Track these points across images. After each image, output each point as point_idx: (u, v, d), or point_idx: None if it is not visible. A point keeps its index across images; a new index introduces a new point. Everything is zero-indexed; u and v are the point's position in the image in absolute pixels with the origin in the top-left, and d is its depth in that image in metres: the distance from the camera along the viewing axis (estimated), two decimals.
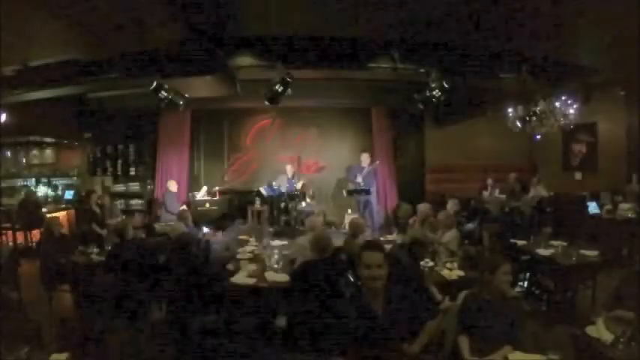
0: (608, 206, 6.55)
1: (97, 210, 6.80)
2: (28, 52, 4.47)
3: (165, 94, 5.07)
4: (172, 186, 7.83)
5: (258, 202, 8.11)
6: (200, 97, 6.15)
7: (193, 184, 9.12)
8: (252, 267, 4.00)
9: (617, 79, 6.63)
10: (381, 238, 5.28)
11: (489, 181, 8.45)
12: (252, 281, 3.67)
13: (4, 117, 5.92)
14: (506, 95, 6.52)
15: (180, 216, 5.41)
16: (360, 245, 2.46)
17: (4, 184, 8.63)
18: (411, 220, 5.53)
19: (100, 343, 3.17)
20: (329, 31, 4.76)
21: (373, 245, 2.36)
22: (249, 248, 4.96)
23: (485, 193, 8.32)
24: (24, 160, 9.63)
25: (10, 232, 7.28)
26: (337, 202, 8.90)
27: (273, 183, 8.32)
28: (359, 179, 8.07)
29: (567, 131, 7.50)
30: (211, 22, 4.17)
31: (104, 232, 6.35)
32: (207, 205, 7.95)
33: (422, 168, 9.56)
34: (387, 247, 3.36)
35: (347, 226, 5.95)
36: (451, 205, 6.56)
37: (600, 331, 2.36)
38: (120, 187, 9.20)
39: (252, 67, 5.13)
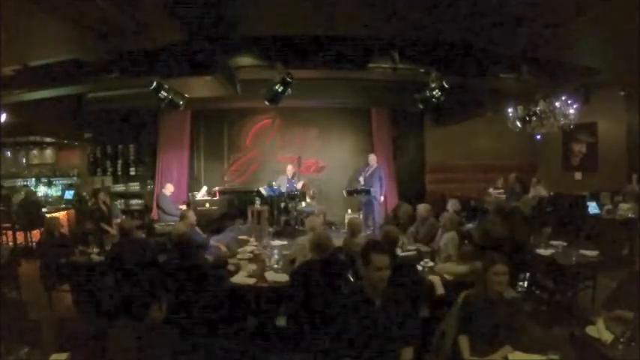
0: (608, 206, 6.55)
1: (105, 208, 6.79)
2: (28, 52, 4.46)
3: (165, 94, 5.07)
4: (167, 189, 7.67)
5: (258, 202, 8.10)
6: (200, 97, 6.14)
7: (193, 185, 9.11)
8: (252, 267, 4.00)
9: (617, 79, 6.62)
10: None
11: (499, 182, 8.42)
12: (252, 281, 3.68)
13: (4, 117, 5.92)
14: (506, 95, 6.52)
15: (182, 216, 5.39)
16: (369, 246, 2.35)
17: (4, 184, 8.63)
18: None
19: (100, 343, 3.16)
20: (329, 31, 4.76)
21: (382, 247, 2.33)
22: (249, 248, 4.95)
23: (493, 192, 8.26)
24: (24, 160, 9.64)
25: (10, 232, 7.28)
26: (347, 202, 8.80)
27: (273, 183, 8.31)
28: (360, 179, 8.09)
29: (567, 131, 7.50)
30: (211, 22, 4.16)
31: (114, 230, 6.26)
32: (207, 205, 7.95)
33: (422, 168, 9.55)
34: None
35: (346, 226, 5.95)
36: (451, 205, 6.55)
37: (600, 331, 2.36)
38: (120, 187, 9.20)
39: (252, 67, 5.12)
